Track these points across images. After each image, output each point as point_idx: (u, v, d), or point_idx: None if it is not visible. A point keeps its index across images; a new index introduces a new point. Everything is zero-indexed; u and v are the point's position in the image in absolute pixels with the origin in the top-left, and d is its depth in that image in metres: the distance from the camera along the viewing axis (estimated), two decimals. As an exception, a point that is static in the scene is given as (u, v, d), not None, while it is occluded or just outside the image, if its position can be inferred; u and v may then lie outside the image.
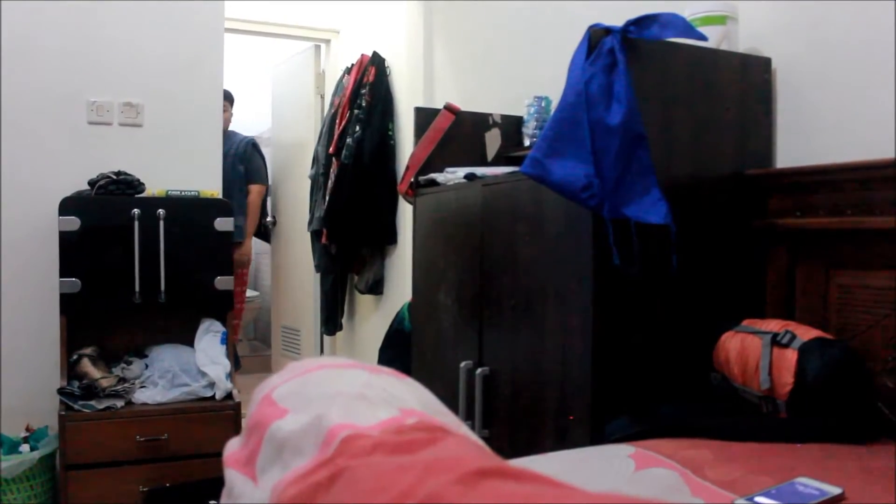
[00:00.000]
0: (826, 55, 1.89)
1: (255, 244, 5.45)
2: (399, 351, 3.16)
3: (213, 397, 2.97)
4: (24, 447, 2.92)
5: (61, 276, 2.93)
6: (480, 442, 0.82)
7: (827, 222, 1.77)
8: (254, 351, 6.46)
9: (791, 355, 1.57)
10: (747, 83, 1.96)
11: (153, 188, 3.17)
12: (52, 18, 3.22)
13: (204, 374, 2.99)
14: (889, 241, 1.64)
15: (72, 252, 2.93)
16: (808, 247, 1.84)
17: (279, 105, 5.59)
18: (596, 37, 1.72)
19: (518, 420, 2.07)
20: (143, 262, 2.99)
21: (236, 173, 4.97)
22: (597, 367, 1.75)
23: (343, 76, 4.49)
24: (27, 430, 3.02)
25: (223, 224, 3.10)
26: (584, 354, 1.77)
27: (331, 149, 4.19)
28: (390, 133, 4.12)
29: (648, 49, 1.77)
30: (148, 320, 3.18)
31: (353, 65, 4.37)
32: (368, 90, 4.10)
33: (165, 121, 3.40)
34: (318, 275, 4.65)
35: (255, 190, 5.15)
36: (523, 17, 3.14)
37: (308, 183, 4.71)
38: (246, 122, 5.01)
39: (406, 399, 0.86)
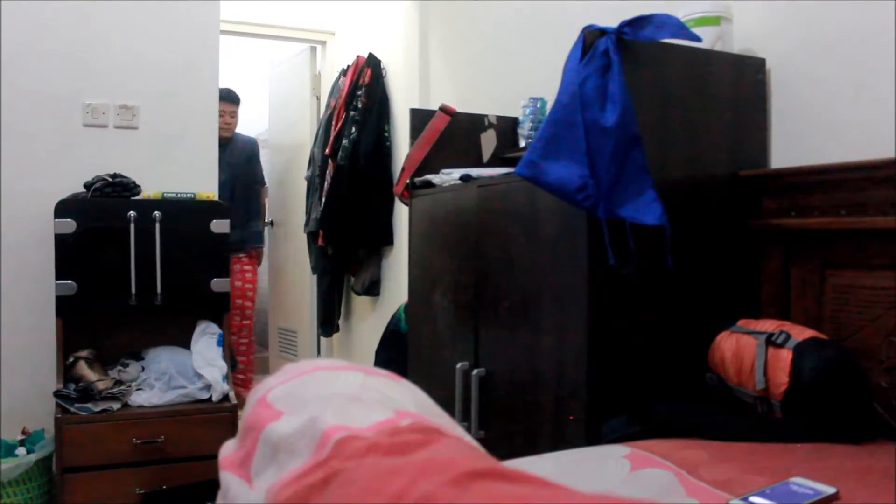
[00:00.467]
0: (820, 56, 1.89)
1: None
2: (395, 352, 3.16)
3: (209, 399, 2.96)
4: (21, 450, 2.91)
5: (57, 278, 2.92)
6: (475, 443, 0.82)
7: (822, 222, 1.77)
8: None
9: (786, 355, 1.58)
10: (742, 84, 1.97)
11: (149, 190, 3.17)
12: (48, 20, 3.22)
13: (200, 377, 2.99)
14: (884, 241, 1.64)
15: (68, 254, 2.93)
16: (802, 247, 1.84)
17: (276, 107, 5.59)
18: (590, 38, 1.72)
19: (514, 421, 2.07)
20: (139, 264, 2.99)
21: (252, 176, 4.98)
22: (592, 368, 1.75)
23: (339, 78, 4.49)
24: (23, 432, 3.01)
25: (219, 226, 3.10)
26: (580, 355, 1.78)
27: (327, 150, 4.19)
28: (386, 134, 4.13)
29: (643, 50, 1.78)
30: (144, 322, 3.18)
31: (348, 66, 4.37)
32: (364, 92, 4.10)
33: (161, 123, 3.40)
34: (315, 276, 4.65)
35: (263, 191, 5.14)
36: (518, 19, 3.14)
37: (304, 184, 4.72)
38: (243, 124, 5.01)
39: (401, 401, 0.86)
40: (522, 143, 2.74)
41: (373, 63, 4.18)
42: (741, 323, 1.74)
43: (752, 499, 1.19)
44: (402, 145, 3.94)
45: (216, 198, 3.35)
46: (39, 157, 3.21)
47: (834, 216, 1.74)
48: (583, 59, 1.71)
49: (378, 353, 3.44)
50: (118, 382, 2.94)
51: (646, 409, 1.72)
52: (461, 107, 2.80)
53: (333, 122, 4.24)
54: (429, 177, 2.57)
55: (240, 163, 4.84)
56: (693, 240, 1.85)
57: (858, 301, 1.71)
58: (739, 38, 2.05)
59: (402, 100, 3.99)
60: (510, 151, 2.78)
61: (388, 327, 3.42)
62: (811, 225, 1.80)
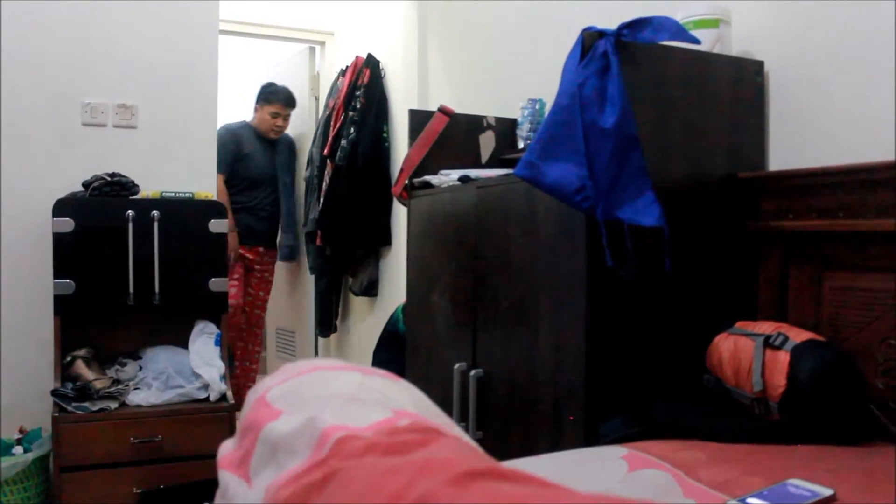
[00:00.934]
0: (818, 58, 1.90)
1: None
2: (393, 353, 3.16)
3: (207, 399, 2.96)
4: (18, 449, 2.91)
5: (55, 277, 2.92)
6: (473, 443, 0.82)
7: (820, 225, 1.77)
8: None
9: (783, 357, 1.58)
10: (740, 86, 1.97)
11: (147, 190, 3.16)
12: (47, 20, 3.21)
13: (198, 376, 2.99)
14: (882, 243, 1.65)
15: (66, 253, 2.92)
16: (800, 249, 1.84)
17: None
18: (589, 40, 1.73)
19: (512, 422, 2.07)
20: (138, 263, 2.98)
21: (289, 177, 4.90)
22: (590, 369, 1.75)
23: (338, 78, 4.49)
24: (20, 431, 3.01)
25: (217, 226, 3.10)
26: (578, 356, 1.78)
27: (325, 151, 4.19)
28: (385, 135, 4.13)
29: (642, 52, 1.78)
30: (142, 322, 3.17)
31: (347, 67, 4.37)
32: (363, 92, 4.10)
33: (160, 122, 3.40)
34: (313, 277, 4.65)
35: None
36: (517, 20, 3.14)
37: (303, 185, 4.72)
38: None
39: (399, 401, 0.86)
40: (521, 145, 2.74)
41: (372, 64, 4.18)
42: (739, 325, 1.75)
43: (750, 500, 1.20)
44: (400, 146, 3.94)
45: (214, 197, 3.35)
46: (38, 155, 3.21)
47: (832, 218, 1.74)
48: (582, 60, 1.71)
49: (376, 353, 3.44)
50: (116, 382, 2.94)
51: (643, 410, 1.72)
52: (460, 108, 2.80)
53: (332, 123, 4.25)
54: (427, 177, 2.57)
55: (285, 162, 4.83)
56: (691, 241, 1.85)
57: (856, 303, 1.72)
58: (738, 40, 2.05)
59: (401, 100, 3.99)
60: (509, 153, 2.78)
61: (385, 328, 3.42)
62: (809, 227, 1.80)
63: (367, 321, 4.35)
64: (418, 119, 2.72)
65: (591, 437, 1.71)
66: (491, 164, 2.77)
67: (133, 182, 3.11)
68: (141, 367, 3.06)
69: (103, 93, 3.31)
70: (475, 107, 2.98)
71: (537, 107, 2.71)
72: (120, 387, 2.90)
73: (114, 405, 2.83)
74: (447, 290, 2.39)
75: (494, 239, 2.15)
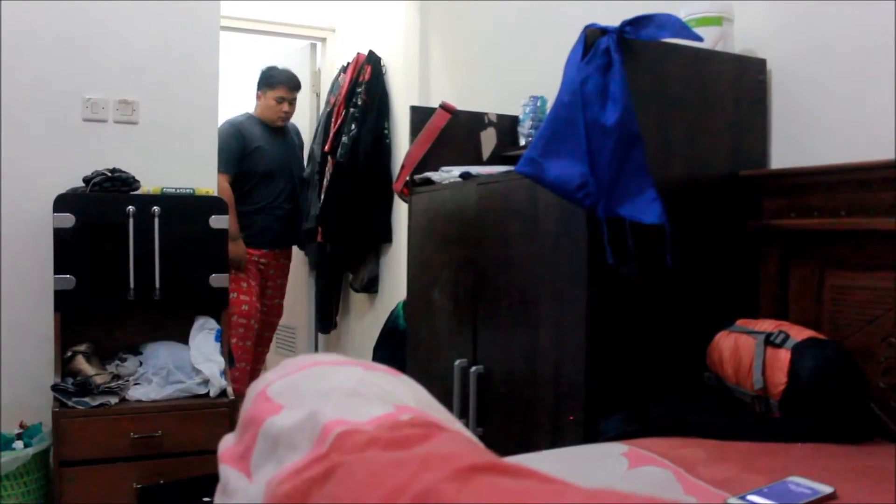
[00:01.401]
0: (821, 57, 1.90)
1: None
2: (393, 349, 3.16)
3: (207, 394, 2.96)
4: (18, 444, 2.91)
5: (56, 272, 2.92)
6: (475, 438, 0.82)
7: (821, 223, 1.77)
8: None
9: (784, 355, 1.58)
10: (742, 84, 1.97)
11: (148, 186, 3.16)
12: (48, 15, 3.21)
13: (198, 372, 2.99)
14: (883, 242, 1.65)
15: (66, 249, 2.92)
16: (802, 247, 1.84)
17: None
18: (592, 37, 1.72)
19: (512, 418, 2.07)
20: (138, 259, 2.98)
21: (301, 165, 4.56)
22: (591, 366, 1.75)
23: (339, 75, 4.49)
24: (21, 426, 3.01)
25: (218, 222, 3.10)
26: (579, 353, 1.78)
27: (326, 147, 4.19)
28: (386, 132, 4.13)
29: (644, 49, 1.78)
30: (142, 317, 3.17)
31: (348, 63, 4.37)
32: (364, 89, 4.10)
33: (161, 118, 3.39)
34: (313, 273, 4.64)
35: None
36: (519, 17, 3.14)
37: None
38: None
39: (401, 395, 0.86)
40: (522, 142, 2.74)
41: (373, 60, 4.17)
42: (740, 323, 1.75)
43: (750, 497, 1.20)
44: (401, 143, 3.94)
45: (215, 193, 3.35)
46: (39, 151, 3.20)
47: (833, 217, 1.74)
48: (584, 57, 1.71)
49: (376, 350, 3.44)
50: (116, 377, 2.93)
51: (643, 407, 1.72)
52: (461, 105, 2.80)
53: (333, 119, 4.24)
54: (428, 174, 2.57)
55: (295, 151, 4.48)
56: (692, 239, 1.85)
57: (857, 302, 1.72)
58: (741, 38, 2.05)
59: (402, 97, 3.99)
60: (510, 150, 2.78)
61: (386, 324, 3.42)
62: (810, 225, 1.80)
63: (368, 318, 4.34)
64: (420, 116, 2.72)
65: (592, 433, 1.71)
66: (492, 161, 2.76)
67: (134, 178, 3.11)
68: (141, 363, 3.06)
69: (104, 88, 3.30)
70: (477, 104, 2.98)
71: (539, 104, 2.70)
72: (120, 382, 2.90)
73: (114, 400, 2.83)
74: (448, 286, 2.39)
75: (495, 236, 2.15)
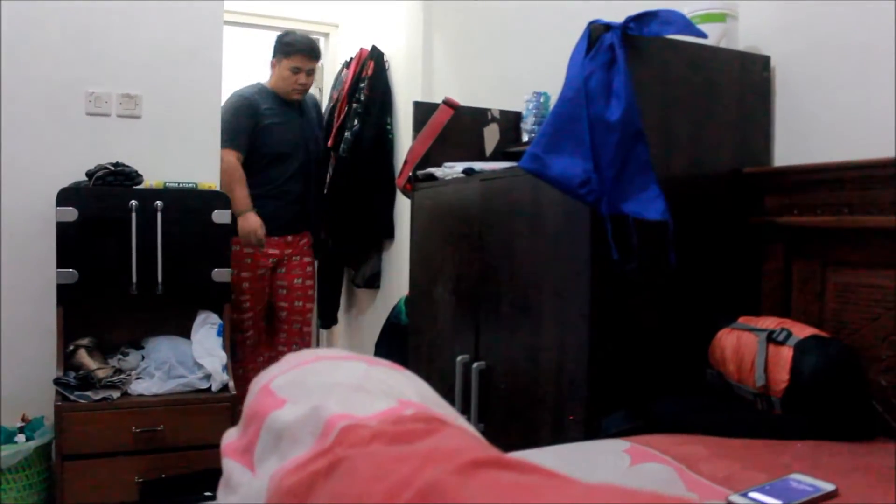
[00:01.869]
0: (825, 54, 1.89)
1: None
2: (395, 345, 3.16)
3: (209, 389, 2.97)
4: (20, 437, 2.92)
5: (58, 266, 2.92)
6: (477, 434, 0.82)
7: (824, 221, 1.77)
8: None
9: (786, 353, 1.58)
10: (746, 81, 1.97)
11: (151, 180, 3.17)
12: (51, 8, 3.21)
13: (200, 366, 3.00)
14: (886, 239, 1.64)
15: (69, 243, 2.93)
16: (804, 245, 1.84)
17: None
18: (596, 33, 1.72)
19: (514, 415, 2.07)
20: (141, 253, 2.99)
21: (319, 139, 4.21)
22: (593, 363, 1.75)
23: (342, 70, 4.48)
24: (23, 420, 3.02)
25: (221, 216, 3.10)
26: (581, 350, 1.78)
27: (329, 142, 4.18)
28: (388, 127, 4.12)
29: (648, 46, 1.78)
30: (145, 312, 3.18)
31: (351, 59, 4.36)
32: (367, 84, 4.09)
33: (164, 112, 3.39)
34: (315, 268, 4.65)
35: None
36: (523, 13, 3.14)
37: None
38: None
39: (404, 390, 0.86)
40: (525, 138, 2.73)
41: (376, 55, 4.17)
42: (742, 320, 1.74)
43: (752, 494, 1.20)
44: (404, 138, 3.94)
45: (217, 188, 3.35)
46: (41, 145, 3.21)
47: (836, 214, 1.74)
48: (588, 53, 1.71)
49: (378, 346, 3.45)
50: (118, 371, 2.94)
51: (645, 404, 1.72)
52: (464, 100, 2.80)
53: (336, 115, 4.24)
54: (431, 170, 2.57)
55: (313, 128, 4.13)
56: (695, 236, 1.85)
57: (859, 299, 1.72)
58: (744, 35, 2.05)
59: (405, 92, 3.99)
60: (513, 146, 2.78)
61: (388, 320, 3.42)
62: (813, 223, 1.80)
63: (369, 314, 4.35)
64: (423, 111, 2.72)
65: (593, 430, 1.71)
66: (495, 156, 2.76)
67: (136, 172, 3.11)
68: (143, 357, 3.07)
69: (107, 82, 3.30)
70: (480, 99, 2.98)
71: (542, 100, 2.70)
72: (122, 376, 2.91)
73: (116, 394, 2.84)
74: (450, 282, 2.39)
75: (498, 232, 2.15)
